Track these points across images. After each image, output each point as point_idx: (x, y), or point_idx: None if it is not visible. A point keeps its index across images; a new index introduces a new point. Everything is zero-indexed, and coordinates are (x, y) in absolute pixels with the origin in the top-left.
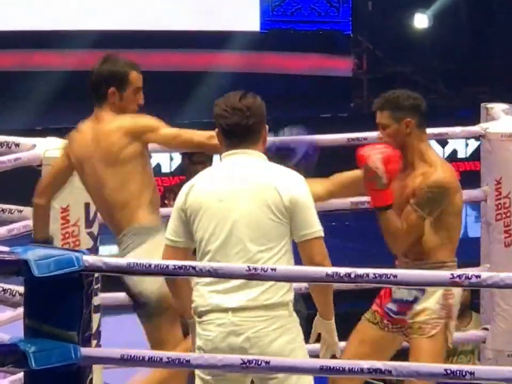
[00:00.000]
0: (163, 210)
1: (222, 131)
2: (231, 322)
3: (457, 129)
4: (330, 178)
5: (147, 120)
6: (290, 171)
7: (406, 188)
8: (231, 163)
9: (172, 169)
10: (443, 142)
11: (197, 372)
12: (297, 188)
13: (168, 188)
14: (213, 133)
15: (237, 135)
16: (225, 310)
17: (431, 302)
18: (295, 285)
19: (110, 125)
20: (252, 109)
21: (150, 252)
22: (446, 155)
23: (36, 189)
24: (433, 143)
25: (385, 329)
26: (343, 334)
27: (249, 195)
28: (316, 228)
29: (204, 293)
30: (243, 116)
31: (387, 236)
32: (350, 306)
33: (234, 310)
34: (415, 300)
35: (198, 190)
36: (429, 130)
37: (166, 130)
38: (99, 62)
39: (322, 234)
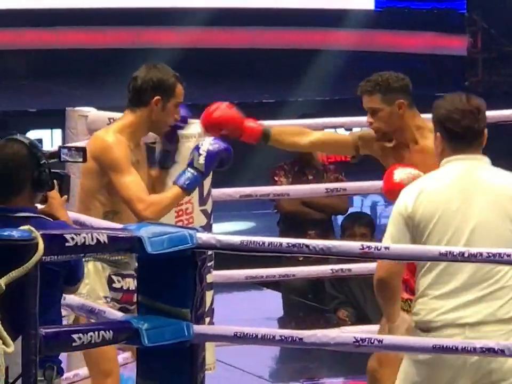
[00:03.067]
0: (274, 188)
1: (448, 135)
2: (468, 338)
3: None
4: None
5: (113, 157)
6: None
7: (422, 162)
8: (461, 169)
9: None
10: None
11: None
12: None
13: (278, 166)
14: (154, 200)
15: (466, 139)
16: (462, 326)
17: None
18: None
19: (93, 137)
20: (481, 112)
21: None
22: None
23: None
24: None
25: None
26: None
27: (487, 204)
28: None
29: (435, 307)
30: (474, 119)
31: None
32: None
33: (472, 325)
34: None
35: (428, 196)
36: None
37: (121, 178)
38: (145, 68)
39: None
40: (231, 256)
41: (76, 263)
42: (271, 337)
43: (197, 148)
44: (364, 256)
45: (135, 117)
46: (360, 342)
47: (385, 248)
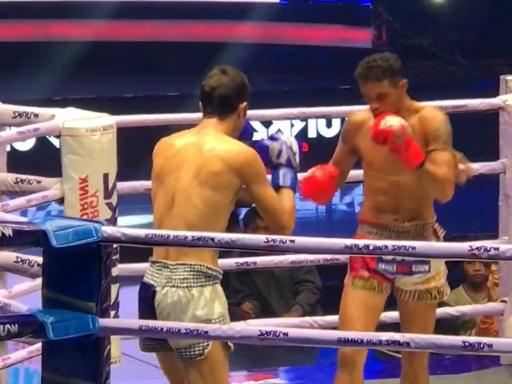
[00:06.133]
0: None
1: None
2: None
3: (476, 102)
4: None
5: (259, 168)
6: None
7: (421, 130)
8: None
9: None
10: (267, 123)
11: None
12: None
13: None
14: (288, 210)
15: None
16: None
17: (441, 264)
18: (312, 256)
19: (223, 148)
20: None
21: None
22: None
23: None
24: (256, 124)
25: (382, 292)
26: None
27: None
28: None
29: None
30: None
31: (435, 188)
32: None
33: None
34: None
35: None
36: (448, 103)
37: (266, 190)
38: (222, 73)
39: None
40: (137, 249)
41: None
42: (177, 330)
43: (288, 147)
44: (269, 249)
45: (227, 125)
46: (266, 335)
47: (291, 241)
